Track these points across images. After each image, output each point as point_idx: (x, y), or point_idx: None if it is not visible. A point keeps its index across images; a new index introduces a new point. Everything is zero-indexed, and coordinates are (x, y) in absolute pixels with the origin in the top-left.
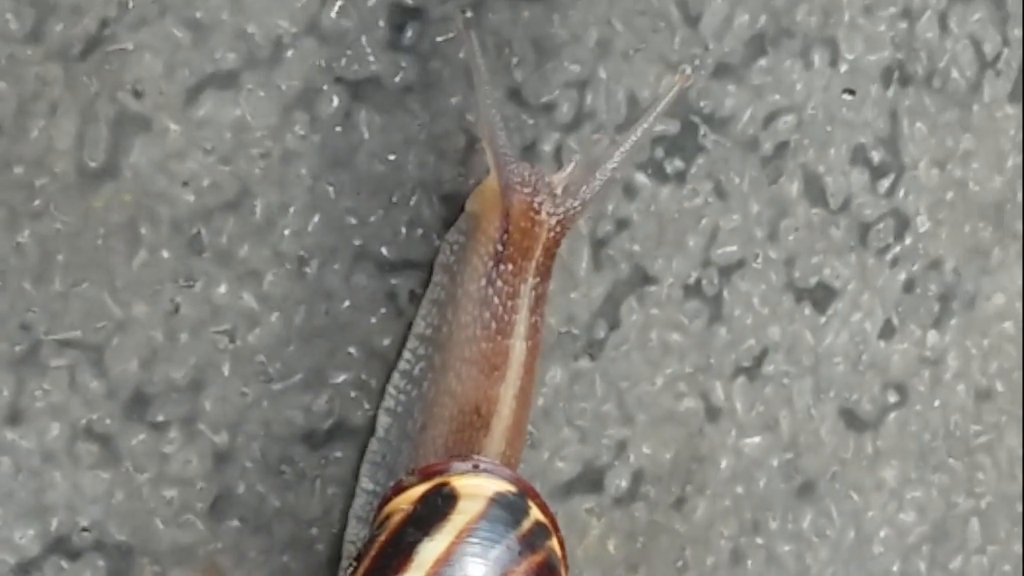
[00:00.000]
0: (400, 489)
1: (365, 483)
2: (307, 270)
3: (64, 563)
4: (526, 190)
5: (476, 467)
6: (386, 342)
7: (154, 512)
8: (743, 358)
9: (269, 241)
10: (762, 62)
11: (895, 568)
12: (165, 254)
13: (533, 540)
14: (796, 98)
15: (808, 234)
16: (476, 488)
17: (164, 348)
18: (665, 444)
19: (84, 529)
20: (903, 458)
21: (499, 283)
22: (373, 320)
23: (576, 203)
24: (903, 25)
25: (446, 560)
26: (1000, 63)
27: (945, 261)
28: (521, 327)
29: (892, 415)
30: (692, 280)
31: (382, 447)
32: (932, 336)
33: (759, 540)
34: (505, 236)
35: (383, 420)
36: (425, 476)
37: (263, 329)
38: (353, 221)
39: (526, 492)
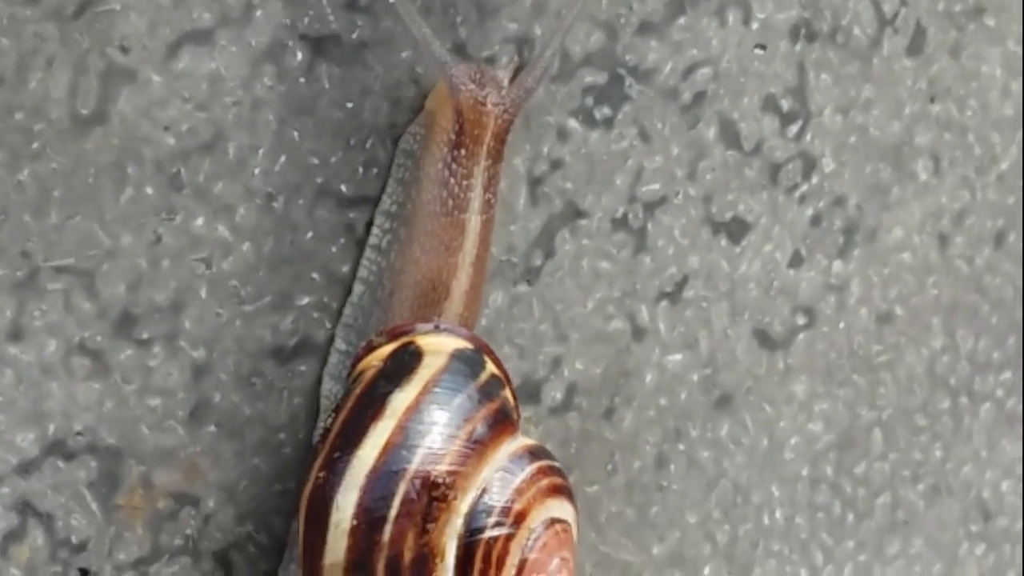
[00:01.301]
0: (371, 348)
1: (339, 344)
2: (275, 205)
3: (60, 463)
4: (471, 86)
5: (437, 327)
6: (345, 269)
7: (140, 419)
8: (666, 284)
9: (241, 179)
10: (681, 20)
11: (804, 473)
12: (149, 191)
13: (489, 390)
14: (712, 52)
15: (724, 174)
16: (438, 345)
17: (148, 274)
18: (595, 360)
19: (78, 433)
20: (811, 374)
21: (454, 166)
22: (333, 249)
23: (520, 92)
24: None
25: (415, 408)
26: (898, 21)
27: (848, 198)
28: (476, 203)
29: (801, 336)
30: (619, 214)
31: (354, 311)
32: (837, 265)
33: (681, 447)
34: (457, 127)
35: (357, 288)
36: (393, 336)
37: (236, 257)
38: (315, 161)
39: (482, 349)
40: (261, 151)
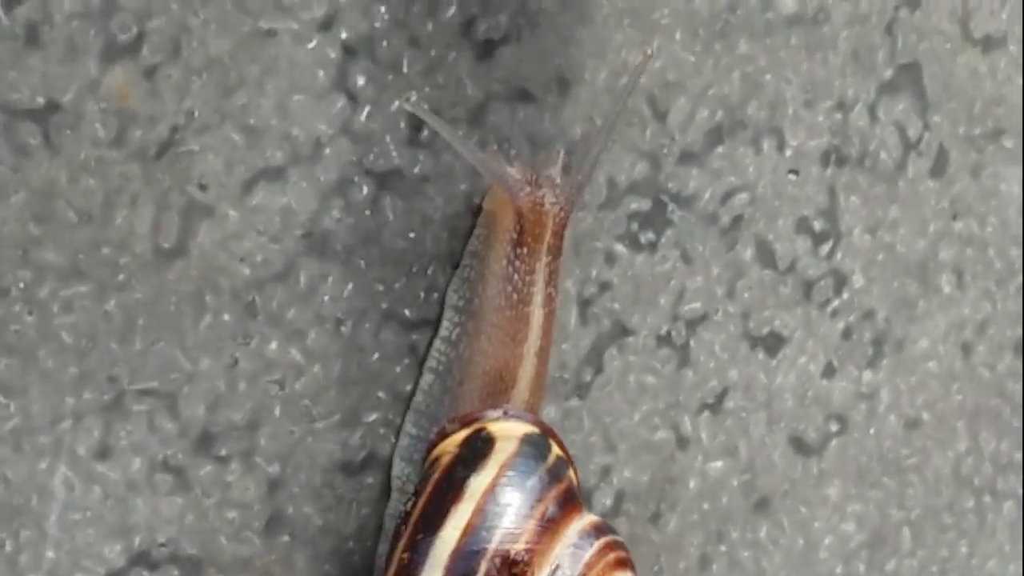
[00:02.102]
0: (445, 435)
1: (409, 428)
2: (343, 329)
3: (145, 574)
4: (528, 189)
5: (506, 413)
6: (408, 387)
7: (219, 530)
8: (707, 396)
9: (311, 306)
10: (720, 149)
11: (838, 570)
12: (226, 318)
13: (557, 471)
14: (749, 179)
15: (760, 292)
16: (508, 430)
17: (226, 395)
18: (642, 469)
19: (161, 545)
20: (844, 478)
21: (517, 263)
22: (398, 369)
23: (573, 189)
24: (838, 116)
25: (492, 491)
26: (921, 145)
27: (877, 312)
28: (539, 297)
29: (834, 442)
30: (663, 332)
31: (425, 398)
32: (867, 375)
33: (723, 548)
34: (519, 227)
35: (426, 377)
36: (465, 423)
37: (307, 378)
38: (380, 288)
39: (547, 432)
40: (330, 279)
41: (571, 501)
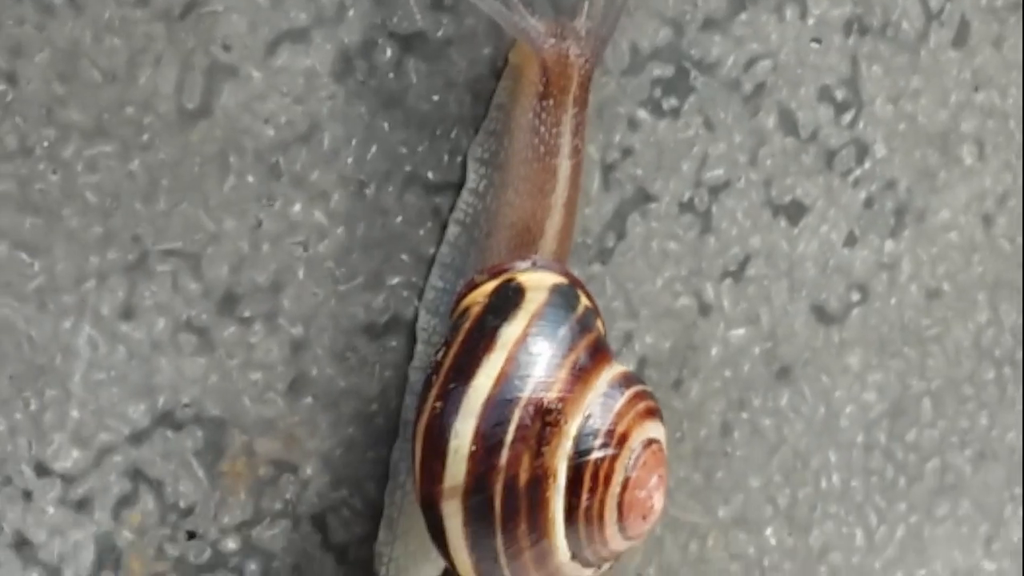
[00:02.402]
0: (474, 286)
1: (435, 281)
2: (367, 191)
3: (169, 433)
4: (552, 41)
5: (534, 264)
6: (432, 250)
7: (243, 391)
8: (729, 263)
9: (335, 168)
10: (743, 16)
11: (859, 440)
12: (250, 179)
13: (586, 321)
14: (771, 46)
15: (783, 160)
16: (538, 281)
17: (250, 256)
18: (664, 335)
19: (185, 405)
20: (865, 347)
21: (544, 115)
22: (421, 232)
23: (598, 41)
24: None
25: (523, 340)
26: (944, 15)
27: (899, 182)
28: (566, 148)
29: (855, 311)
30: (686, 198)
31: (451, 251)
32: (889, 244)
33: (744, 415)
34: (544, 80)
35: (453, 229)
36: (494, 274)
37: (331, 240)
38: (404, 151)
39: (575, 283)
40: (354, 141)
41: (601, 351)
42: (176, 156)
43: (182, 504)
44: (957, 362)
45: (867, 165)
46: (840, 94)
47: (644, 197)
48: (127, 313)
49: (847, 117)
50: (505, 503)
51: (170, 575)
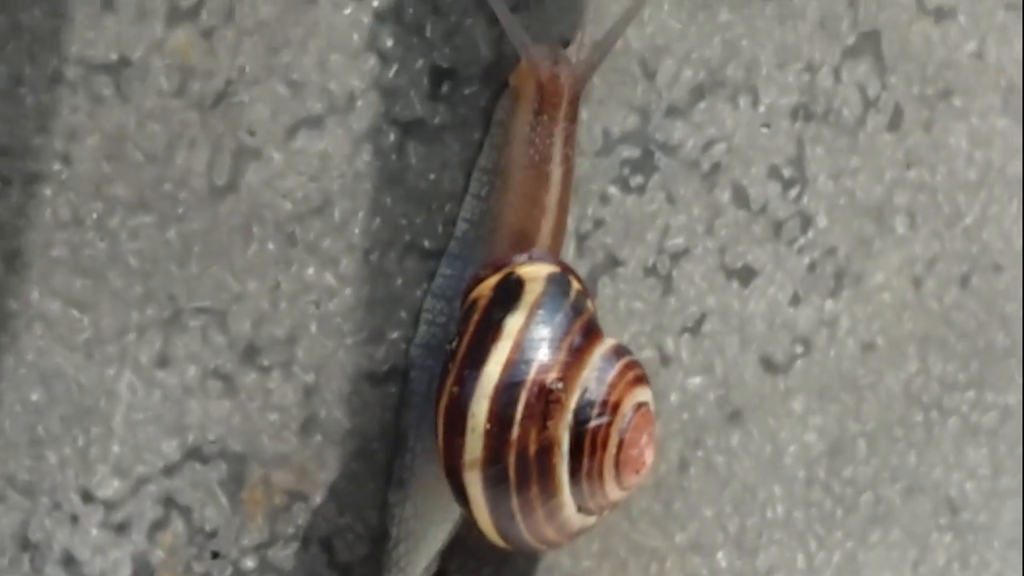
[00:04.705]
0: (479, 280)
1: (444, 270)
2: (371, 257)
3: (197, 466)
4: (548, 63)
5: (531, 257)
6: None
7: (261, 430)
8: (688, 320)
9: (344, 237)
10: (701, 105)
11: (801, 475)
12: (270, 246)
13: (579, 305)
14: (727, 131)
15: (736, 229)
16: (535, 272)
17: (269, 313)
18: None
19: (212, 442)
20: (807, 394)
21: (538, 128)
22: (418, 293)
23: (586, 67)
24: (806, 76)
25: (526, 328)
26: (880, 103)
27: (839, 249)
28: (557, 156)
29: (799, 362)
30: (650, 263)
31: (458, 244)
32: (829, 304)
33: (699, 453)
34: (539, 97)
35: (460, 226)
36: (496, 268)
37: (340, 299)
38: (404, 222)
39: (567, 271)
40: (361, 214)
41: (593, 330)
42: (207, 226)
43: (208, 528)
44: (889, 407)
45: (810, 234)
46: (787, 172)
47: (613, 262)
48: (162, 362)
49: (793, 192)
50: (519, 471)
51: None
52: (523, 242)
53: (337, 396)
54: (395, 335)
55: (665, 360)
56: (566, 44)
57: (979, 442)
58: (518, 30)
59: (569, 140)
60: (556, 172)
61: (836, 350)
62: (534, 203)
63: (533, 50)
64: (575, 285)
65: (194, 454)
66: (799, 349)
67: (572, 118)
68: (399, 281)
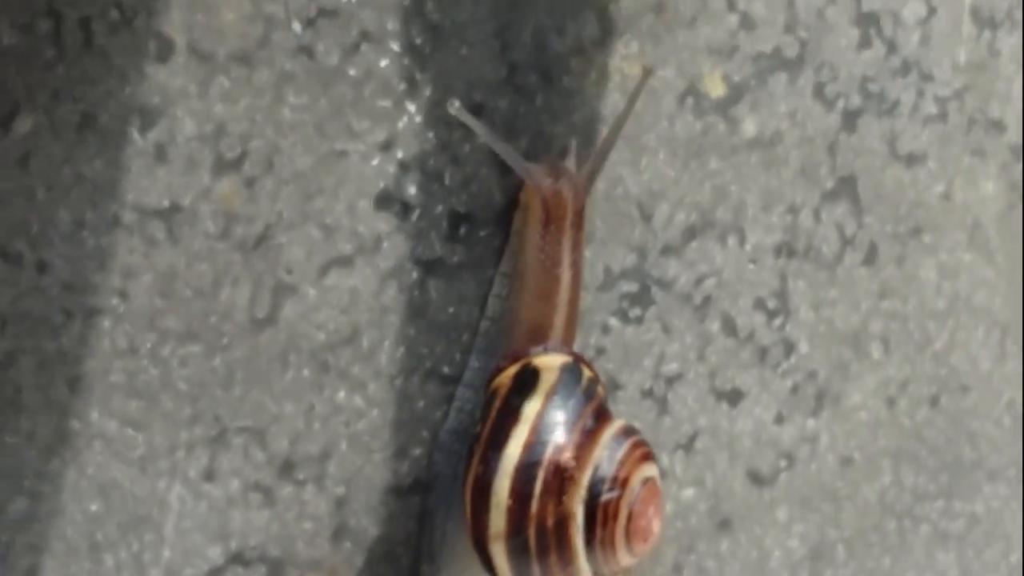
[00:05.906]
0: (500, 370)
1: (473, 362)
2: (396, 382)
3: (240, 570)
4: (549, 181)
5: (546, 348)
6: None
7: (297, 537)
8: (681, 438)
9: (372, 364)
10: (693, 244)
11: None
12: (305, 372)
13: (590, 390)
14: (716, 267)
15: (725, 356)
16: (549, 362)
17: (304, 432)
18: None
19: (252, 548)
20: (790, 504)
21: (548, 237)
22: (438, 415)
23: (586, 179)
24: (789, 218)
25: (542, 413)
26: (856, 240)
27: (819, 372)
28: (566, 261)
29: (783, 475)
30: (647, 387)
31: (484, 340)
32: (810, 422)
33: (692, 557)
34: (545, 211)
35: (484, 323)
36: (514, 360)
37: (368, 419)
38: (425, 351)
39: (579, 359)
40: (386, 343)
41: (604, 413)
42: (248, 354)
43: None
44: (865, 515)
45: (793, 359)
46: (772, 303)
47: (614, 386)
48: (209, 476)
49: (777, 322)
50: (538, 542)
51: None
52: (539, 335)
53: (365, 507)
54: (417, 452)
55: (661, 474)
56: (565, 151)
57: (948, 547)
58: (515, 156)
59: (576, 246)
60: (566, 274)
61: (817, 464)
62: (547, 301)
63: (533, 170)
64: (587, 373)
65: (237, 559)
66: (783, 463)
67: (578, 226)
68: (421, 404)
